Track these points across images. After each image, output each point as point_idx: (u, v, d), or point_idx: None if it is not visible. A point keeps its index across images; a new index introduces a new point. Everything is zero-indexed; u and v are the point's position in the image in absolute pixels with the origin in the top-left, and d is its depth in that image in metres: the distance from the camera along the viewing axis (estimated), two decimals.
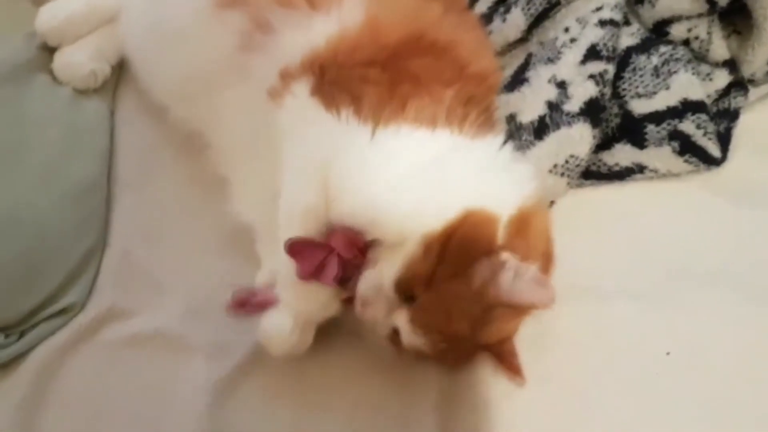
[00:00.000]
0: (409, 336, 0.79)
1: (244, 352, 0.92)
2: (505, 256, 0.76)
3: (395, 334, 0.81)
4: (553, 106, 1.00)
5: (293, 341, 0.83)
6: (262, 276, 0.93)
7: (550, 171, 0.97)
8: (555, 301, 0.74)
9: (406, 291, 0.78)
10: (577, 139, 0.97)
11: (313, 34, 0.89)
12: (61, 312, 0.97)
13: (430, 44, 0.91)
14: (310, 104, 0.86)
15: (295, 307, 0.83)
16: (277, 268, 0.87)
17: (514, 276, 0.74)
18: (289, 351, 0.84)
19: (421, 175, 0.80)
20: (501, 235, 0.78)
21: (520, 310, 0.80)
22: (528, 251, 0.78)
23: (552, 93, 1.01)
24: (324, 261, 0.79)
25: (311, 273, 0.79)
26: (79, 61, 1.15)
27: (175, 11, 1.00)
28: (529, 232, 0.79)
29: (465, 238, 0.76)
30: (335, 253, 0.79)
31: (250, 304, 0.83)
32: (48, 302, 0.97)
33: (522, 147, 0.98)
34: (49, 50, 1.17)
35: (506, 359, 0.82)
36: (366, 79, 0.86)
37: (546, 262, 0.81)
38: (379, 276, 0.79)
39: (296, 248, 0.79)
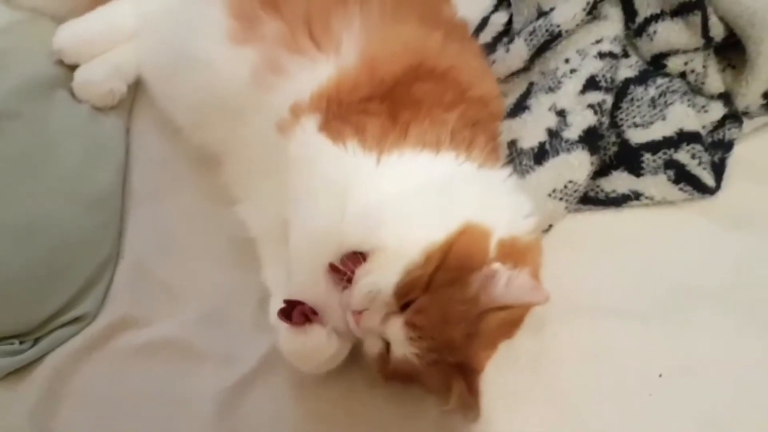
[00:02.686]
0: (402, 344, 0.80)
1: (253, 361, 0.95)
2: (496, 266, 0.79)
3: (384, 354, 0.82)
4: (553, 134, 1.03)
5: (331, 352, 0.86)
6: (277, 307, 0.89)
7: (549, 195, 1.00)
8: (549, 299, 0.78)
9: (406, 295, 0.79)
10: (575, 166, 1.01)
11: (318, 73, 0.93)
12: (76, 320, 1.00)
13: (429, 70, 0.94)
14: (319, 140, 0.88)
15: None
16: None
17: (507, 282, 0.78)
18: (324, 364, 0.87)
19: (426, 192, 0.84)
20: (492, 249, 0.81)
21: (512, 324, 0.83)
22: None
23: (552, 121, 1.05)
24: None
25: None
26: (97, 80, 1.17)
27: (189, 41, 1.02)
28: (518, 262, 0.81)
29: (462, 249, 0.79)
30: None
31: (306, 317, 0.85)
32: (63, 310, 1.00)
33: (522, 172, 1.01)
34: (68, 67, 1.20)
35: (474, 389, 0.82)
36: (367, 111, 0.89)
37: None
38: (377, 282, 0.79)
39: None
